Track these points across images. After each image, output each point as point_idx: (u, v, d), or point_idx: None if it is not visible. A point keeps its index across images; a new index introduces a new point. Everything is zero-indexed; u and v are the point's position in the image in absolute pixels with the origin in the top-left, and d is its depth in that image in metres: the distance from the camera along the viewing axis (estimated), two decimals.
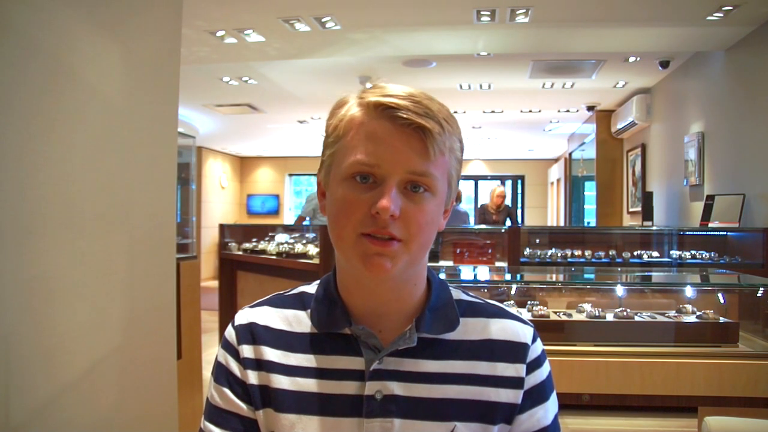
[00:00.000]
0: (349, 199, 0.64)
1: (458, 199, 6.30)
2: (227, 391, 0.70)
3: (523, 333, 0.72)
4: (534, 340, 0.73)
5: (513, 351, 0.71)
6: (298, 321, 0.72)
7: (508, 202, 6.44)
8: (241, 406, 0.69)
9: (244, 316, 0.73)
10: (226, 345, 0.72)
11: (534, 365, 0.71)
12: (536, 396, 0.71)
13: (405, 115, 0.63)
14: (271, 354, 0.70)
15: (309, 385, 0.68)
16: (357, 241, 0.64)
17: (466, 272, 2.83)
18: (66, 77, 1.40)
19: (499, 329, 0.72)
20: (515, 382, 0.69)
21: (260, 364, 0.69)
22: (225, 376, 0.71)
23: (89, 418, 1.45)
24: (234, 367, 0.70)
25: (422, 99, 0.65)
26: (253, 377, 0.69)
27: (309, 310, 0.72)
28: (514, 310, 0.83)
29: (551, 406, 0.72)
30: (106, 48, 1.54)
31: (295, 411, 0.67)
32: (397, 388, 0.67)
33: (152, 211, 1.70)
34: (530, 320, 0.77)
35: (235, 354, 0.71)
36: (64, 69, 1.40)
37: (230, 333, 0.72)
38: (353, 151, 0.64)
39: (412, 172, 0.63)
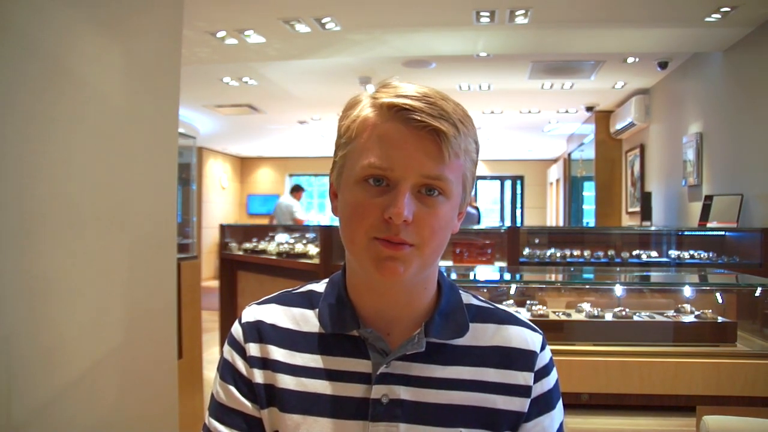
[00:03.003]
0: (361, 203, 0.63)
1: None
2: (232, 388, 0.69)
3: (533, 341, 0.72)
4: (543, 348, 0.72)
5: (522, 359, 0.70)
6: (306, 320, 0.71)
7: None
8: (246, 405, 0.69)
9: (251, 313, 0.72)
10: (232, 342, 0.71)
11: (542, 374, 0.71)
12: (543, 404, 0.70)
13: (419, 117, 0.62)
14: (278, 353, 0.69)
15: (315, 386, 0.67)
16: (369, 244, 0.63)
17: (465, 272, 2.84)
18: (66, 77, 1.41)
19: (508, 336, 0.71)
20: (522, 391, 0.69)
21: (266, 363, 0.69)
22: (231, 373, 0.70)
23: (90, 418, 1.45)
24: (240, 364, 0.70)
25: (437, 99, 0.63)
26: (258, 376, 0.69)
27: (317, 310, 0.72)
28: (514, 310, 0.83)
29: (557, 414, 0.72)
30: (107, 48, 1.54)
31: (300, 411, 0.66)
32: (403, 393, 0.66)
33: (153, 211, 1.71)
34: (529, 320, 0.77)
35: (241, 352, 0.70)
36: (64, 69, 1.40)
37: (237, 330, 0.72)
38: (366, 154, 0.63)
39: (425, 175, 0.62)
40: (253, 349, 0.69)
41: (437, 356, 0.68)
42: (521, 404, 0.68)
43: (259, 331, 0.70)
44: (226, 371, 0.71)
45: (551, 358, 0.73)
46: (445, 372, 0.68)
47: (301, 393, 0.67)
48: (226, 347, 0.72)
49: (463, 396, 0.67)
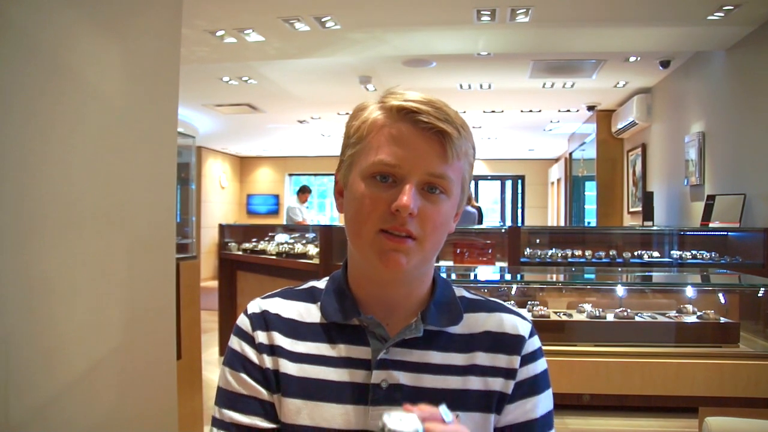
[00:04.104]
0: (369, 197, 0.67)
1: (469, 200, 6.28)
2: (245, 376, 0.71)
3: (522, 327, 0.75)
4: (531, 335, 0.75)
5: (510, 343, 0.73)
6: (309, 312, 0.75)
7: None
8: (260, 390, 0.71)
9: (256, 305, 0.76)
10: (240, 333, 0.74)
11: (529, 359, 0.73)
12: (527, 388, 0.72)
13: (426, 119, 0.66)
14: (281, 340, 0.72)
15: (316, 372, 0.70)
16: (375, 238, 0.67)
17: (466, 272, 2.83)
18: (66, 77, 1.40)
19: (497, 323, 0.75)
20: (509, 373, 0.72)
21: (273, 350, 0.72)
22: (241, 362, 0.72)
23: (89, 418, 1.45)
24: (250, 352, 0.72)
25: (441, 105, 0.68)
26: (268, 362, 0.71)
27: (319, 303, 0.75)
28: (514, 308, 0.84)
29: (543, 401, 0.73)
30: (106, 48, 1.54)
31: (301, 397, 0.69)
32: (402, 378, 0.70)
33: (152, 211, 1.70)
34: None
35: (250, 340, 0.73)
36: (64, 69, 1.39)
37: (244, 321, 0.74)
38: (376, 152, 0.67)
39: (430, 174, 0.67)
40: (261, 336, 0.73)
41: (434, 343, 0.72)
42: (506, 386, 0.71)
43: (265, 320, 0.74)
44: (236, 361, 0.72)
45: (540, 348, 0.76)
46: (441, 358, 0.71)
47: (302, 379, 0.70)
48: (234, 339, 0.74)
49: (459, 380, 0.71)
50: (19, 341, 1.26)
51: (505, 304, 0.78)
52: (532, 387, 0.73)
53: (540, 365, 0.74)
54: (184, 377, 2.33)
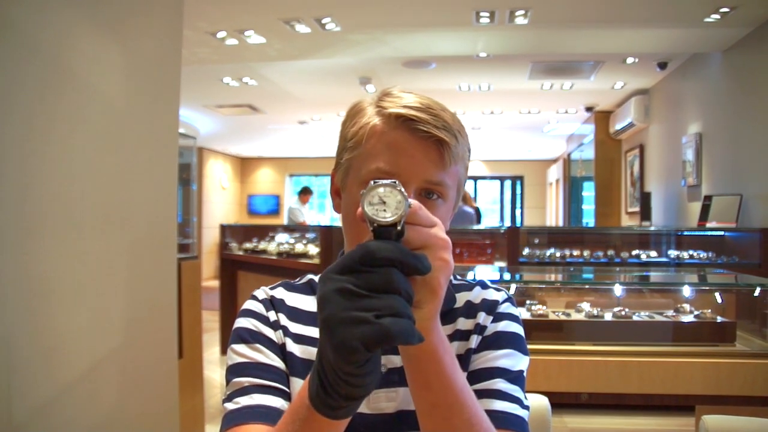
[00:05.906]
0: None
1: (465, 200, 6.29)
2: (264, 348, 0.73)
3: (498, 295, 0.80)
4: (506, 301, 0.79)
5: (485, 306, 0.78)
6: (308, 304, 0.78)
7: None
8: (279, 361, 0.73)
9: (263, 291, 0.80)
10: (252, 314, 0.76)
11: (500, 317, 0.77)
12: (492, 341, 0.75)
13: (424, 128, 0.67)
14: (286, 322, 0.76)
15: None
16: None
17: (465, 272, 2.84)
18: (66, 77, 1.41)
19: (476, 294, 0.80)
20: (481, 329, 0.76)
21: (282, 329, 0.75)
22: (257, 338, 0.74)
23: (90, 418, 1.45)
24: (266, 330, 0.75)
25: (438, 111, 0.69)
26: (281, 339, 0.75)
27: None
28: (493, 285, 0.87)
29: (508, 358, 0.73)
30: (107, 49, 1.54)
31: (304, 377, 0.69)
32: (398, 361, 0.72)
33: (153, 211, 1.71)
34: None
35: (265, 320, 0.76)
36: (64, 69, 1.40)
37: (255, 305, 0.77)
38: (374, 159, 0.68)
39: (428, 181, 0.68)
40: (273, 316, 0.76)
41: None
42: (476, 341, 0.75)
43: (273, 304, 0.78)
44: (252, 336, 0.74)
45: (516, 315, 0.79)
46: None
47: (304, 360, 0.73)
48: (244, 320, 0.76)
49: None
50: (20, 341, 1.27)
51: (486, 281, 0.82)
52: (497, 341, 0.74)
53: (511, 326, 0.76)
54: (185, 377, 2.33)
